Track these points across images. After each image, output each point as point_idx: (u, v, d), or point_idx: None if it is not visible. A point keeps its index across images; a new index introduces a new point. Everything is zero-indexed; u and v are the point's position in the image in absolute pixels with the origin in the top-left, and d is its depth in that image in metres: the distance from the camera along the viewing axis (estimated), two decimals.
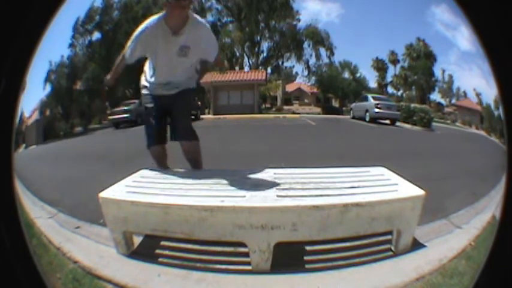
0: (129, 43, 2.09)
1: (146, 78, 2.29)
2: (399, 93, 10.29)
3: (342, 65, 12.67)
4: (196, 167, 2.23)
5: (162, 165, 2.26)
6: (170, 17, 1.98)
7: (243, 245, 1.43)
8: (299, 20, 13.40)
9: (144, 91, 2.33)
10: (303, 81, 14.03)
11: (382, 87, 10.75)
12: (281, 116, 11.06)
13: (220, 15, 13.40)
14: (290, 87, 14.79)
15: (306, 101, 14.00)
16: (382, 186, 1.67)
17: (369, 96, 7.99)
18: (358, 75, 12.29)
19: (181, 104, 2.24)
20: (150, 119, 2.25)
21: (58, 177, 3.27)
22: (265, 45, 13.74)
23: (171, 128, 2.31)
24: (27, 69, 0.76)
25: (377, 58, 10.60)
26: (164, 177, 1.90)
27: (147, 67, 2.30)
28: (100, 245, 1.68)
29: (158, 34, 2.01)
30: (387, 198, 1.50)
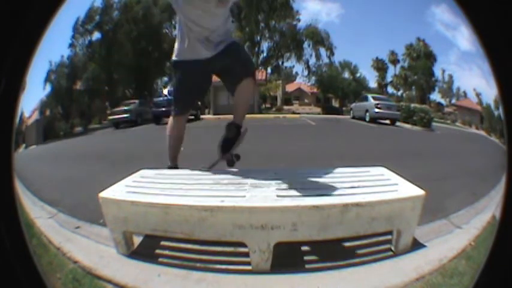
0: None
1: (178, 43, 2.12)
2: (399, 93, 10.31)
3: (342, 65, 12.67)
4: (243, 110, 2.16)
5: (177, 140, 2.21)
6: None
7: (243, 245, 1.43)
8: (299, 20, 13.40)
9: (176, 58, 2.15)
10: (303, 81, 14.03)
11: (382, 87, 10.76)
12: (281, 116, 11.07)
13: None
14: (290, 87, 14.79)
15: (306, 101, 14.00)
16: (382, 186, 1.67)
17: (369, 96, 8.00)
18: (358, 75, 12.30)
19: (233, 52, 2.07)
20: (184, 86, 2.16)
21: (58, 177, 3.27)
22: (265, 45, 13.73)
23: (233, 75, 2.08)
24: (27, 69, 0.76)
25: (377, 58, 10.61)
26: (164, 177, 1.89)
27: (176, 44, 2.15)
28: (100, 245, 1.68)
29: None
30: (387, 198, 1.50)
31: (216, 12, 1.97)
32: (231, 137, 2.20)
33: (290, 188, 1.63)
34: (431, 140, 5.86)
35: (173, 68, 2.25)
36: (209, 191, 1.61)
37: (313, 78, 13.31)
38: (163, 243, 1.68)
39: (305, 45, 13.34)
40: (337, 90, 12.39)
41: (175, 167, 2.26)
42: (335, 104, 12.72)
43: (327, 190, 1.58)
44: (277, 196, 1.50)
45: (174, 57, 2.17)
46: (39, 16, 0.74)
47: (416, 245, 1.58)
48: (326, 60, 13.16)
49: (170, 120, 2.24)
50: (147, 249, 1.66)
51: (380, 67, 10.63)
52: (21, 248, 0.76)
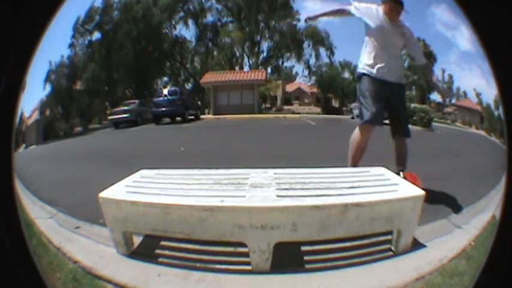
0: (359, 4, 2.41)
1: (368, 60, 2.42)
2: None
3: (342, 65, 12.65)
4: (403, 163, 2.36)
5: (361, 149, 2.35)
6: (391, 10, 2.36)
7: (243, 245, 1.43)
8: (299, 20, 13.41)
9: (364, 71, 2.43)
10: (303, 81, 14.03)
11: None
12: (281, 116, 11.06)
13: (220, 15, 13.41)
14: (290, 87, 14.79)
15: (306, 101, 14.01)
16: (382, 186, 1.67)
17: None
18: None
19: (403, 99, 2.44)
20: (374, 99, 2.34)
21: (58, 177, 3.27)
22: (265, 45, 13.75)
23: (395, 122, 2.41)
24: (27, 69, 0.76)
25: None
26: (164, 177, 1.90)
27: (365, 50, 2.44)
28: (100, 245, 1.68)
29: (379, 14, 2.38)
30: (387, 198, 1.50)
31: (397, 46, 2.41)
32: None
33: (290, 188, 1.63)
34: (431, 140, 5.86)
35: (361, 82, 2.46)
36: (209, 191, 1.61)
37: (313, 78, 13.31)
38: (163, 243, 1.68)
39: (305, 45, 13.35)
40: (337, 90, 12.38)
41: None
42: (335, 104, 12.72)
43: (327, 190, 1.58)
44: (277, 196, 1.50)
45: (362, 71, 2.45)
46: (39, 16, 0.74)
47: (416, 245, 1.58)
48: (326, 60, 13.18)
49: (356, 130, 2.41)
50: (147, 249, 1.66)
51: None
52: (21, 248, 0.76)
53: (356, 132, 2.39)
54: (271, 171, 1.96)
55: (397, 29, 2.40)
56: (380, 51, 2.38)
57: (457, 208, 2.05)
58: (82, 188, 2.65)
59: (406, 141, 2.41)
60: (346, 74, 12.52)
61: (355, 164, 2.39)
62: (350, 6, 2.42)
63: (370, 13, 2.40)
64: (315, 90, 13.51)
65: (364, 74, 2.44)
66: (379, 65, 2.36)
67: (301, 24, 13.28)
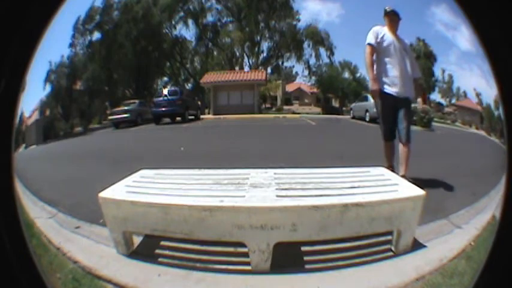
0: (369, 36, 2.62)
1: (386, 76, 2.59)
2: None
3: (342, 65, 12.70)
4: (403, 168, 2.45)
5: (390, 157, 2.61)
6: (392, 21, 2.63)
7: (242, 245, 1.43)
8: (299, 20, 13.45)
9: (385, 90, 2.60)
10: (303, 81, 14.10)
11: None
12: (281, 116, 11.08)
13: (220, 15, 13.46)
14: (290, 87, 14.82)
15: (306, 101, 14.04)
16: (382, 186, 1.67)
17: (369, 96, 7.99)
18: (358, 75, 12.33)
19: (410, 110, 2.63)
20: (390, 117, 2.59)
21: (58, 177, 3.28)
22: (265, 45, 13.82)
23: (399, 130, 2.58)
24: (27, 69, 0.76)
25: None
26: (164, 177, 1.90)
27: (378, 68, 2.61)
28: (100, 245, 1.68)
29: (385, 32, 2.62)
30: (387, 198, 1.50)
31: (406, 60, 2.58)
32: None
33: (290, 188, 1.63)
34: (431, 140, 5.86)
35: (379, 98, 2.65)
36: (209, 191, 1.61)
37: (313, 78, 13.36)
38: (163, 243, 1.68)
39: (305, 45, 13.40)
40: (337, 90, 12.40)
41: (392, 166, 2.58)
42: (335, 104, 12.74)
43: (327, 190, 1.58)
44: (277, 196, 1.50)
45: (379, 88, 2.61)
46: (39, 16, 0.74)
47: (416, 245, 1.58)
48: (326, 60, 13.22)
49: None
50: (147, 249, 1.66)
51: None
52: (21, 248, 0.76)
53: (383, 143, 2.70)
54: (271, 171, 1.96)
55: (400, 43, 2.61)
56: (390, 66, 2.57)
57: (457, 208, 2.05)
58: (82, 188, 2.65)
59: (408, 146, 2.51)
60: (346, 74, 12.55)
61: (389, 163, 2.63)
62: (370, 47, 2.61)
63: (381, 36, 2.61)
64: (315, 90, 13.54)
65: (374, 89, 2.63)
66: (390, 80, 2.54)
67: (301, 24, 13.32)
